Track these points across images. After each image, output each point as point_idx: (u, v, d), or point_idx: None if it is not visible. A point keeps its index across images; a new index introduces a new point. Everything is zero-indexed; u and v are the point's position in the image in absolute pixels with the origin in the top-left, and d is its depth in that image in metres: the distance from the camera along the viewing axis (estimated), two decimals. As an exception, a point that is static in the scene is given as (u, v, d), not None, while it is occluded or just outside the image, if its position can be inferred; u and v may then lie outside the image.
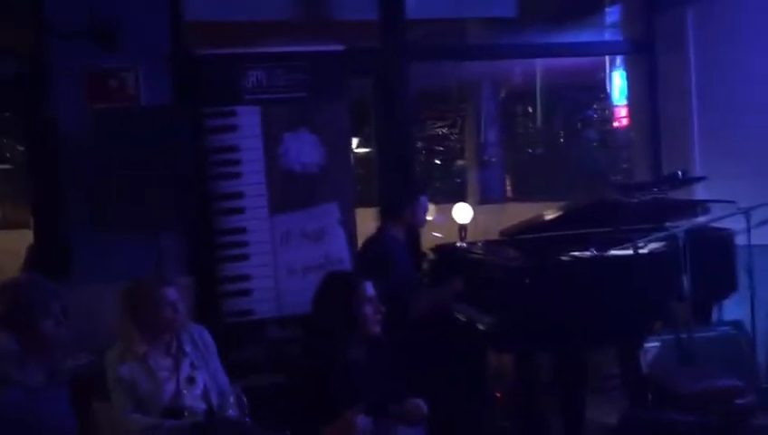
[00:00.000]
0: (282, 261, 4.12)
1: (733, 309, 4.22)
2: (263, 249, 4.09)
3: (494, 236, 4.56)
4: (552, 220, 4.04)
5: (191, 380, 2.79)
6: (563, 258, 3.60)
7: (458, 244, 4.32)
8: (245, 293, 4.08)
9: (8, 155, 8.57)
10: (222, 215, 4.06)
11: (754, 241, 3.88)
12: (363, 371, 2.71)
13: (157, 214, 3.70)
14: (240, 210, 4.07)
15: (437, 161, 8.17)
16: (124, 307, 2.85)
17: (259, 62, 4.09)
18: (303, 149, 4.15)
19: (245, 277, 4.08)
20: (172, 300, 2.80)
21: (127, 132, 3.70)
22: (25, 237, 4.65)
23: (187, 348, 2.87)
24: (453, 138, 7.88)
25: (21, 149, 7.73)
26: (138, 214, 3.67)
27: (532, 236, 4.18)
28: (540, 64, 6.51)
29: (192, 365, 2.85)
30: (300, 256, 4.13)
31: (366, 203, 5.51)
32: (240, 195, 4.07)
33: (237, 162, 4.07)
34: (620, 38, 5.40)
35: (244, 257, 4.07)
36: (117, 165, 3.67)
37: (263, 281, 4.09)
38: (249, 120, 4.08)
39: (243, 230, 4.07)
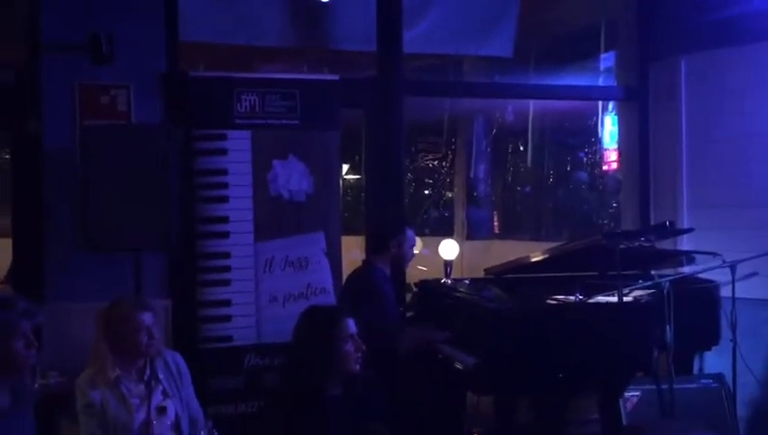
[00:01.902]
0: (264, 288, 4.08)
1: (714, 361, 4.21)
2: (245, 275, 4.05)
3: (480, 272, 4.54)
4: (538, 262, 4.02)
5: (162, 409, 2.72)
6: (547, 302, 3.58)
7: (443, 280, 4.30)
8: (225, 318, 4.03)
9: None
10: (206, 238, 4.03)
11: (739, 294, 3.88)
12: (340, 408, 2.66)
13: (139, 233, 3.64)
14: (224, 235, 4.04)
15: (426, 192, 8.17)
16: (98, 329, 2.79)
17: (253, 87, 4.09)
18: (292, 177, 4.13)
19: (226, 303, 4.03)
20: (148, 325, 2.74)
21: (114, 149, 3.65)
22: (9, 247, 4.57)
23: (161, 375, 2.80)
24: (443, 171, 7.88)
25: (8, 157, 7.66)
26: (120, 232, 3.61)
27: (517, 276, 4.16)
28: (533, 104, 6.54)
29: (164, 393, 2.78)
30: (282, 283, 4.10)
31: (352, 231, 5.49)
32: (225, 219, 4.03)
33: (225, 186, 4.04)
34: (614, 84, 5.44)
35: (226, 283, 4.03)
36: (101, 182, 3.62)
37: (243, 307, 4.05)
38: (239, 144, 4.06)
39: (226, 255, 4.03)
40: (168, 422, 2.74)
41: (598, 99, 5.79)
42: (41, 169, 3.94)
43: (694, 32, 4.76)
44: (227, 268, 4.03)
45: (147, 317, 2.75)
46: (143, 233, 3.63)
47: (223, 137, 4.05)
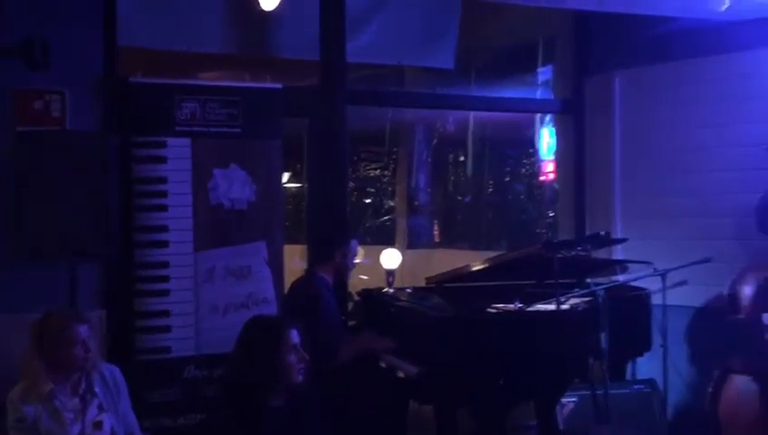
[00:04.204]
0: (204, 298, 4.02)
1: (646, 367, 4.35)
2: (184, 285, 3.99)
3: (421, 280, 4.58)
4: (479, 270, 4.09)
5: (98, 424, 2.66)
6: (487, 311, 3.64)
7: (386, 289, 4.32)
8: (163, 329, 3.95)
9: None
10: (144, 247, 3.95)
11: (669, 301, 4.03)
12: (282, 418, 2.64)
13: (75, 242, 3.56)
14: (164, 244, 3.97)
15: (368, 201, 8.18)
16: (31, 342, 2.70)
17: (194, 94, 4.04)
18: (233, 185, 4.10)
19: (164, 313, 3.95)
20: (83, 338, 2.68)
21: (49, 156, 3.57)
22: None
23: (97, 389, 2.74)
24: (384, 180, 7.91)
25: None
26: (55, 240, 3.52)
27: (459, 285, 4.21)
28: (473, 115, 6.65)
29: (100, 407, 2.72)
30: (223, 293, 4.05)
31: (294, 240, 5.46)
32: (164, 228, 3.96)
33: (164, 194, 3.97)
34: (551, 97, 5.58)
35: (165, 293, 3.95)
36: (36, 189, 3.53)
37: (182, 318, 3.98)
38: (179, 152, 4.00)
39: (165, 264, 3.96)
40: (105, 437, 2.68)
41: (535, 111, 5.92)
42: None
43: (627, 48, 4.93)
44: (166, 278, 3.96)
45: (83, 330, 2.68)
46: (79, 241, 3.55)
47: (162, 144, 3.99)
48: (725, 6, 3.51)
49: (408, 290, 4.38)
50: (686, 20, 4.35)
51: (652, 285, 4.08)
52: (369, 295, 4.35)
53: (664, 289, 3.98)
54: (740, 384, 3.74)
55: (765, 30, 4.22)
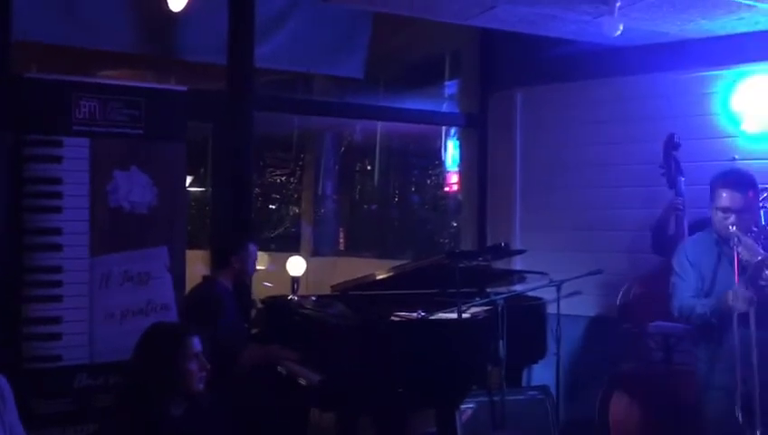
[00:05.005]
0: (99, 304, 3.87)
1: (540, 373, 4.52)
2: (78, 291, 3.83)
3: (324, 288, 4.58)
4: (384, 279, 4.13)
5: (-18, 437, 2.50)
6: (390, 319, 3.68)
7: (290, 297, 4.30)
8: (54, 337, 3.77)
9: None
10: (35, 251, 3.76)
11: (563, 311, 4.20)
12: (181, 427, 2.57)
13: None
14: (57, 247, 3.79)
15: (272, 207, 8.11)
16: None
17: (93, 93, 3.89)
18: (134, 188, 3.97)
19: (56, 320, 3.78)
20: (-33, 345, 2.52)
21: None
22: None
23: (-19, 399, 2.58)
24: (290, 187, 7.88)
25: None
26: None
27: (363, 293, 4.24)
28: (381, 125, 6.73)
29: (-16, 419, 2.56)
30: (120, 299, 3.92)
31: (196, 246, 5.34)
32: (58, 231, 3.80)
33: (58, 196, 3.80)
34: (456, 111, 5.72)
35: (57, 298, 3.78)
36: None
37: (75, 325, 3.82)
38: (76, 152, 3.85)
39: (57, 269, 3.79)
40: (-12, 451, 2.53)
41: (441, 124, 6.05)
42: None
43: (529, 67, 5.12)
44: (59, 283, 3.78)
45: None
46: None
47: (58, 143, 3.82)
48: (618, 32, 3.72)
49: (313, 298, 4.37)
50: (583, 43, 4.57)
51: (548, 295, 4.24)
52: (274, 303, 4.31)
53: (558, 299, 4.14)
54: (627, 391, 3.94)
55: (654, 56, 4.49)
